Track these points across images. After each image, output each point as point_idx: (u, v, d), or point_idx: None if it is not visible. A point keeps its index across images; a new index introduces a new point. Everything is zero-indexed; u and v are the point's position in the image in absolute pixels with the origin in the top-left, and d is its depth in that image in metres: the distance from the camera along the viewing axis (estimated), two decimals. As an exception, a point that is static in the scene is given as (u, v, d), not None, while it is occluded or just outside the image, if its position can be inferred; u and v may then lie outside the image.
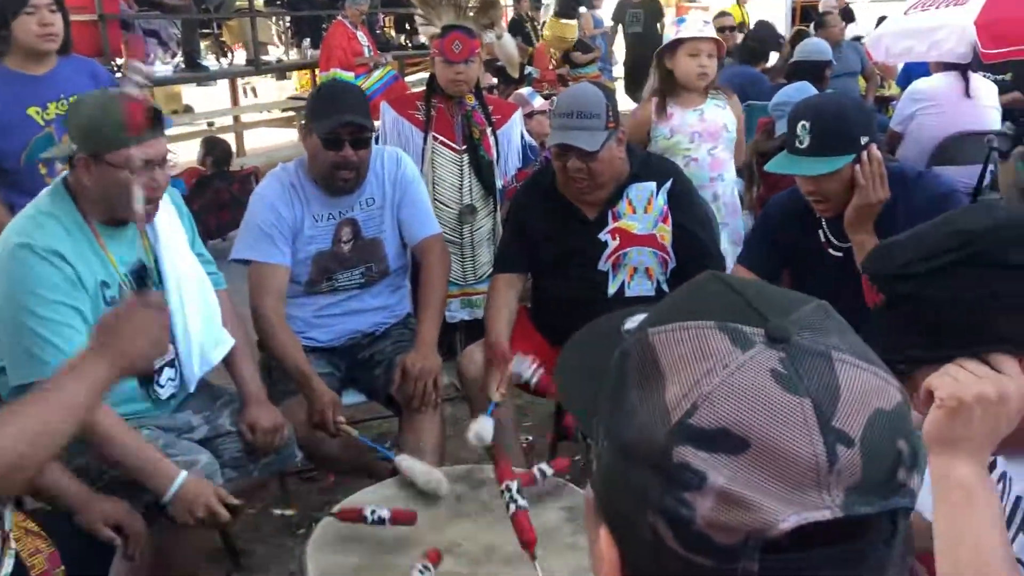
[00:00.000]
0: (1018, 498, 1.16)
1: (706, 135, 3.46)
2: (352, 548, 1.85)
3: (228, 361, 2.39)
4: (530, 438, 3.31)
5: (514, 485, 1.78)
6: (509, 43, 9.21)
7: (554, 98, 4.16)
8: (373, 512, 1.86)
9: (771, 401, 0.56)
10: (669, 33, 3.48)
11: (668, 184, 2.68)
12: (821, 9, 8.12)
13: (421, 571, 1.69)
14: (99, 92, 2.06)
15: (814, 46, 5.05)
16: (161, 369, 2.20)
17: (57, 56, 3.03)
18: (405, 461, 2.10)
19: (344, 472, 2.97)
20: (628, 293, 2.69)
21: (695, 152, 3.44)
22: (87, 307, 1.99)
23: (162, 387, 2.22)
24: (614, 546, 0.62)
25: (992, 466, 1.20)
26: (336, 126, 2.51)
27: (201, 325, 2.27)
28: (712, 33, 3.42)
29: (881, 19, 7.11)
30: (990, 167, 4.32)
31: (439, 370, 2.59)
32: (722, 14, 7.80)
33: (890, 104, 6.62)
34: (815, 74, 4.70)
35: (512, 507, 1.75)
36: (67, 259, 1.97)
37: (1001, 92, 4.93)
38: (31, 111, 2.95)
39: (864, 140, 2.16)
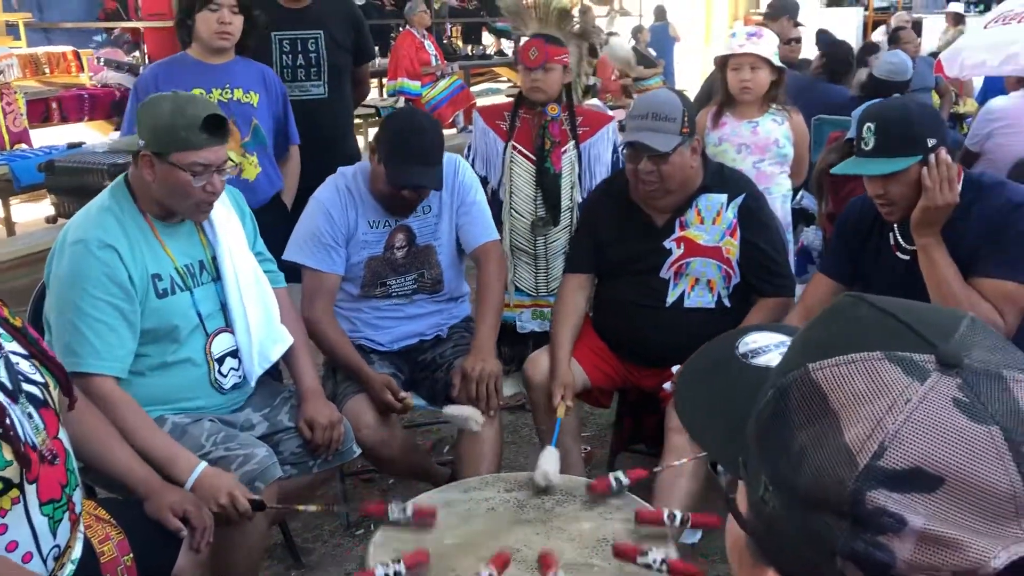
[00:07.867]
0: None
1: (754, 148, 3.43)
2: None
3: (286, 358, 2.42)
4: (588, 448, 3.28)
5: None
6: (617, 47, 9.11)
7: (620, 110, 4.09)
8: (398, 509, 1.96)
9: (960, 433, 0.54)
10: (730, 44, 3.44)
11: (740, 199, 2.66)
12: (894, 24, 7.97)
13: None
14: (174, 94, 2.10)
15: (896, 64, 4.93)
16: (223, 359, 2.24)
17: (235, 54, 3.19)
18: (449, 409, 2.45)
19: (403, 475, 2.98)
20: (687, 303, 2.67)
21: (739, 163, 3.38)
22: (129, 306, 2.06)
23: (225, 376, 2.25)
24: None
25: None
26: (408, 186, 2.55)
27: (261, 321, 2.30)
28: (754, 48, 3.34)
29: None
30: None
31: (499, 373, 2.59)
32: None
33: (965, 121, 6.45)
34: (896, 91, 4.59)
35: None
36: (119, 252, 2.05)
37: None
38: (195, 92, 3.04)
39: (932, 143, 2.14)
